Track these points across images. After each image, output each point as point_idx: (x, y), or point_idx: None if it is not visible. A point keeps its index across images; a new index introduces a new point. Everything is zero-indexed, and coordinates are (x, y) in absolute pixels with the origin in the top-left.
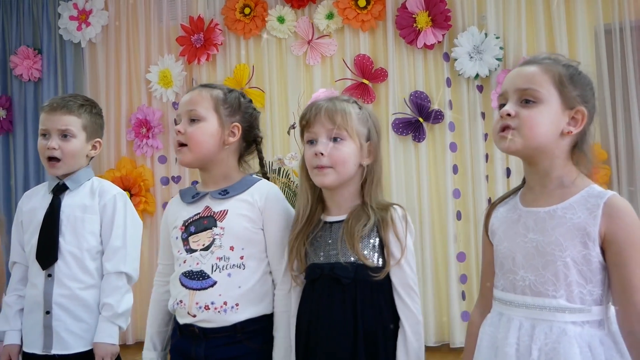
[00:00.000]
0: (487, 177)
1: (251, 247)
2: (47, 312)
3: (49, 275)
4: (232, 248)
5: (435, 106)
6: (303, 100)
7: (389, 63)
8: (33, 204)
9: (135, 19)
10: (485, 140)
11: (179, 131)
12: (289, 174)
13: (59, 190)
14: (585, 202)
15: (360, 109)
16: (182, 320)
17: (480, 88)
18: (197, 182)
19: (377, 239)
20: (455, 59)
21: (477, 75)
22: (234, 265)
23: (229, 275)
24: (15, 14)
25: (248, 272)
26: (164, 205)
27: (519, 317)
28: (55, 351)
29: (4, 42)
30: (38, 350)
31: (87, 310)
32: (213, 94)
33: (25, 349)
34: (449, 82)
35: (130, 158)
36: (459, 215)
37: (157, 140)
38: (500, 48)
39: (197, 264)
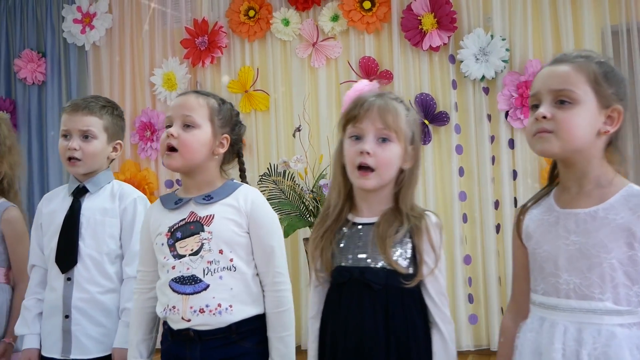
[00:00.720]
0: (493, 179)
1: (239, 250)
2: (66, 316)
3: (69, 279)
4: (221, 251)
5: (440, 108)
6: (308, 103)
7: (394, 65)
8: (53, 206)
9: (140, 22)
10: (492, 142)
11: (171, 134)
12: (294, 177)
13: (79, 193)
14: (626, 202)
15: (407, 110)
16: (176, 325)
17: (486, 90)
18: (176, 189)
19: (410, 246)
20: (461, 61)
21: (483, 77)
22: (224, 267)
23: (221, 277)
24: (19, 18)
25: (239, 274)
26: None
27: (564, 321)
28: (74, 356)
29: (8, 45)
30: (57, 355)
31: (107, 315)
32: (209, 102)
33: (44, 354)
34: (454, 84)
35: (134, 161)
36: (465, 218)
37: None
38: (507, 50)
39: (188, 269)
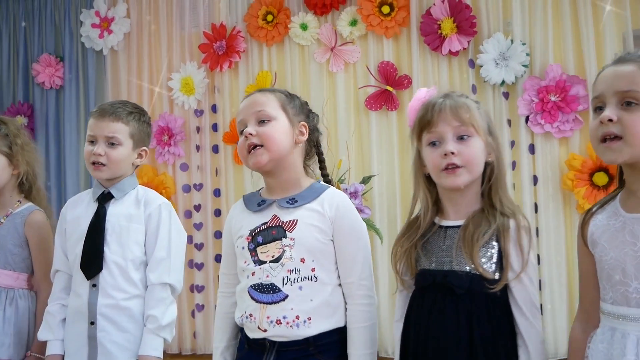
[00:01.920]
0: (513, 185)
1: (322, 259)
2: (92, 323)
3: (94, 285)
4: (302, 260)
5: None
6: (327, 108)
7: (413, 70)
8: (77, 212)
9: (158, 27)
10: (512, 147)
11: (250, 134)
12: None
13: (104, 198)
14: None
15: (477, 103)
16: (252, 334)
17: (506, 95)
18: (260, 188)
19: (497, 249)
20: (481, 66)
21: (503, 82)
22: (305, 277)
23: (301, 288)
24: (38, 22)
25: (320, 285)
26: (186, 213)
27: (636, 331)
28: None
29: (26, 49)
30: None
31: (132, 321)
32: (277, 95)
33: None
34: (474, 89)
35: (152, 166)
36: None
37: (178, 148)
38: (527, 54)
39: (267, 276)
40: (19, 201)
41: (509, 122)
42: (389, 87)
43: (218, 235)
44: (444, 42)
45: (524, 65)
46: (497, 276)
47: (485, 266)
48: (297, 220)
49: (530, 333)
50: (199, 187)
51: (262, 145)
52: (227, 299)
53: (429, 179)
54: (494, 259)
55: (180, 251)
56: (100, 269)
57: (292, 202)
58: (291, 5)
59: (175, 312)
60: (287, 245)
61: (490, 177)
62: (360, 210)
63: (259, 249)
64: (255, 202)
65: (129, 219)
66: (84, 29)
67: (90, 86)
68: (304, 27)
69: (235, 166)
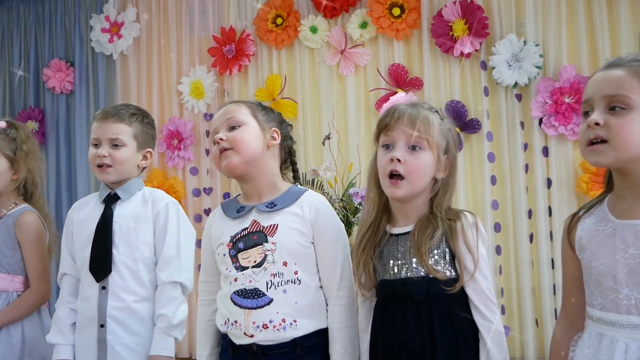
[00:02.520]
0: (526, 188)
1: (304, 262)
2: (102, 326)
3: (103, 288)
4: (285, 263)
5: (472, 116)
6: (337, 111)
7: (424, 72)
8: (84, 214)
9: (167, 31)
10: (525, 150)
11: (220, 139)
12: (323, 185)
13: (111, 200)
14: None
15: (442, 119)
16: (238, 340)
17: (519, 97)
18: (238, 195)
19: (447, 250)
20: (493, 68)
21: (515, 84)
22: (288, 280)
23: (285, 291)
24: (48, 27)
25: (303, 287)
26: (196, 217)
27: (625, 338)
28: None
29: (36, 55)
30: None
31: (142, 324)
32: (247, 104)
33: None
34: (486, 91)
35: (161, 170)
36: (497, 227)
37: (188, 152)
38: (540, 56)
39: (250, 281)
40: (14, 203)
41: (522, 124)
42: (400, 90)
43: None
44: (456, 43)
45: (537, 67)
46: (453, 275)
47: (438, 267)
48: (277, 224)
49: (487, 328)
50: (208, 191)
51: (232, 149)
52: (208, 307)
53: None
54: (447, 260)
55: (189, 249)
56: (109, 271)
57: (272, 206)
58: (301, 8)
59: (186, 311)
60: (269, 250)
61: (438, 191)
62: None
63: (240, 255)
64: (234, 209)
65: (136, 219)
66: (94, 34)
67: (100, 91)
68: (313, 30)
69: None
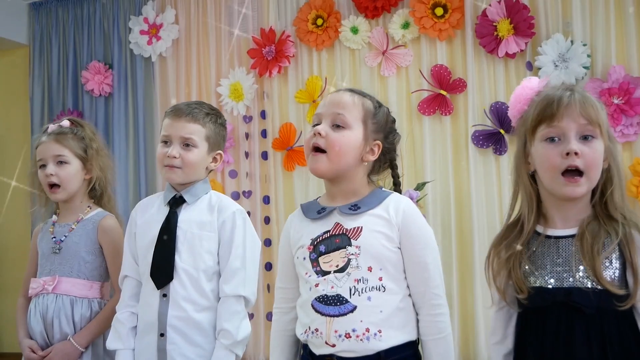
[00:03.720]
0: None
1: (390, 267)
2: (162, 335)
3: (164, 295)
4: (370, 269)
5: None
6: None
7: (468, 73)
8: (148, 216)
9: (206, 32)
10: None
11: (319, 133)
12: None
13: (176, 203)
14: None
15: (600, 102)
16: (319, 350)
17: None
18: (318, 197)
19: (620, 262)
20: (539, 68)
21: None
22: (373, 287)
23: (369, 298)
24: (87, 30)
25: (388, 295)
26: None
27: None
28: None
29: (75, 57)
30: None
31: (202, 334)
32: (365, 103)
33: None
34: None
35: None
36: None
37: (227, 155)
38: (588, 56)
39: (332, 287)
40: (89, 207)
41: None
42: (443, 91)
43: (267, 243)
44: (501, 44)
45: (584, 67)
46: (623, 291)
47: (608, 280)
48: (361, 227)
49: None
50: (247, 194)
51: (325, 152)
52: (285, 315)
53: (532, 178)
54: (617, 273)
55: (255, 261)
56: (170, 278)
57: (355, 208)
58: (342, 9)
59: (249, 327)
60: (352, 254)
61: (605, 185)
62: None
63: (321, 259)
64: (315, 210)
65: (201, 226)
66: (133, 36)
67: (138, 93)
68: (354, 30)
69: (285, 173)
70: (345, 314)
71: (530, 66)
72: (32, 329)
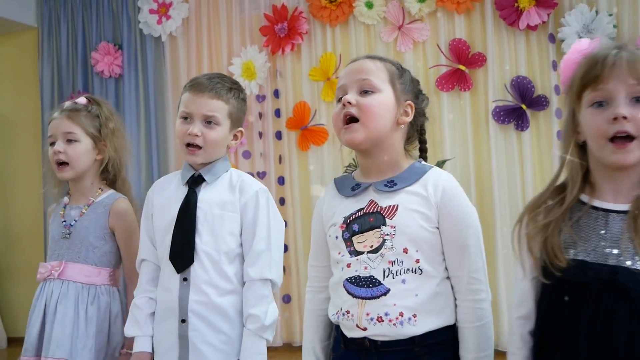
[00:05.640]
0: None
1: (427, 249)
2: (183, 321)
3: (185, 279)
4: (405, 250)
5: (539, 92)
6: None
7: (488, 47)
8: (166, 197)
9: (217, 10)
10: None
11: (349, 102)
12: None
13: (195, 182)
14: None
15: None
16: (350, 333)
17: None
18: (353, 170)
19: None
20: (562, 40)
21: None
22: (408, 269)
23: (404, 281)
24: (95, 10)
25: (425, 278)
26: None
27: None
28: None
29: (84, 38)
30: None
31: (226, 320)
32: (387, 66)
33: (157, 359)
34: (554, 65)
35: None
36: None
37: None
38: (614, 26)
39: (366, 268)
40: (100, 189)
41: None
42: (462, 66)
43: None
44: (522, 16)
45: (611, 38)
46: None
47: None
48: (397, 205)
49: None
50: (262, 175)
51: (358, 120)
52: (318, 294)
53: (582, 148)
54: None
55: (280, 242)
56: (191, 261)
57: (391, 184)
58: None
59: (277, 311)
60: (387, 234)
61: None
62: None
63: (354, 238)
64: (349, 186)
65: (222, 206)
66: (142, 15)
67: (149, 73)
68: (369, 5)
69: (300, 153)
70: (377, 297)
71: (552, 38)
72: (34, 314)
